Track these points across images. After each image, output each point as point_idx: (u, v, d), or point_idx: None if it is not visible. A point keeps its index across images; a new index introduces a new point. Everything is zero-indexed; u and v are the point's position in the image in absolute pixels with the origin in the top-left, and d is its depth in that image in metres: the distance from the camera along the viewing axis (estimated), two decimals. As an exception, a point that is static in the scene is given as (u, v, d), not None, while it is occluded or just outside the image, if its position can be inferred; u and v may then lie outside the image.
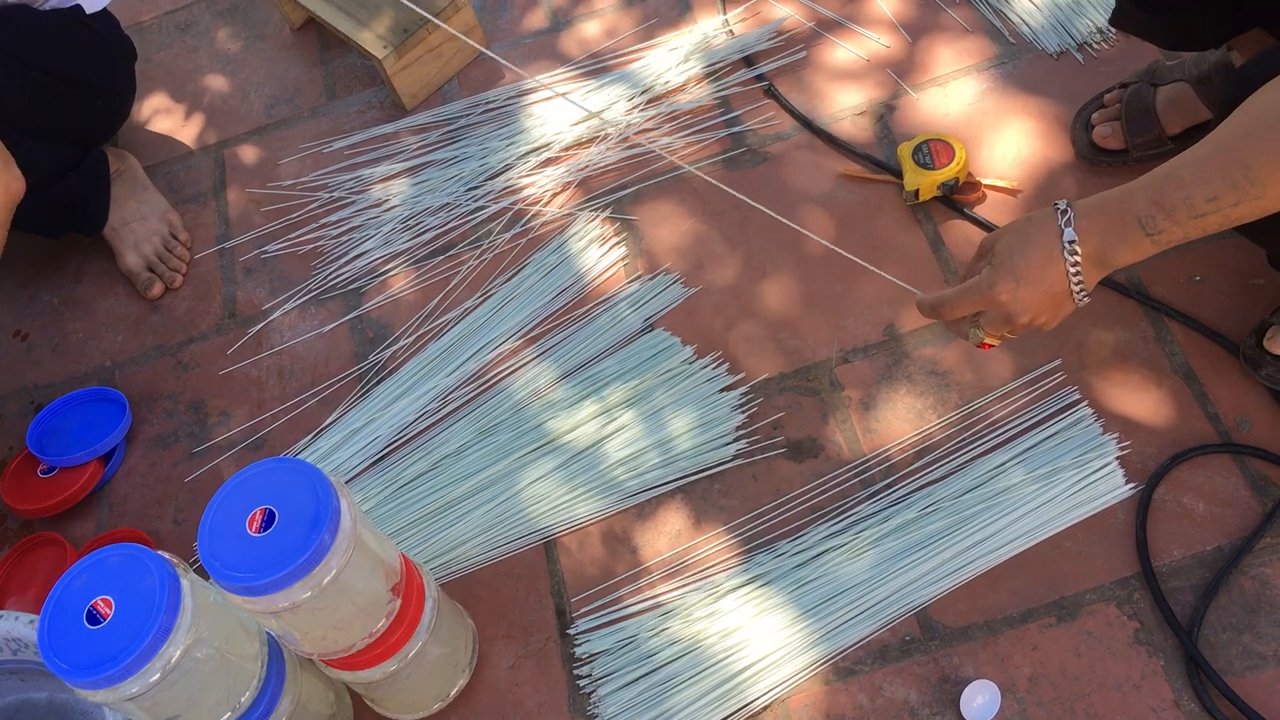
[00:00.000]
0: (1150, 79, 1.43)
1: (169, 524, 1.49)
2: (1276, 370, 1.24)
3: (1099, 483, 1.24)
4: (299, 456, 1.48)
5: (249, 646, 1.09)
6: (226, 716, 1.07)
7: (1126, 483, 1.24)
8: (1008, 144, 1.53)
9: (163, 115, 1.95)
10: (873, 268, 1.18)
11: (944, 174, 1.46)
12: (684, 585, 1.29)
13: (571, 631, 1.29)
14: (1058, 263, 0.95)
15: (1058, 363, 1.34)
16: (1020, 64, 1.60)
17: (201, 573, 1.06)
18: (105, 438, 1.54)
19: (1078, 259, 0.94)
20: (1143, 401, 1.29)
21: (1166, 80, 1.41)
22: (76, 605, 0.97)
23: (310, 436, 1.50)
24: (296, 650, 1.09)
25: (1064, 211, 0.94)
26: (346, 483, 1.45)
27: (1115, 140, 1.44)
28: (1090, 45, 1.59)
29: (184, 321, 1.68)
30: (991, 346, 1.05)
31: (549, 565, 1.35)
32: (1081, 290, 0.96)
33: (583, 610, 1.30)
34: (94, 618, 0.96)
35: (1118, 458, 1.26)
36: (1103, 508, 1.24)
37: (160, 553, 1.01)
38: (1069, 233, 0.94)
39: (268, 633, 1.13)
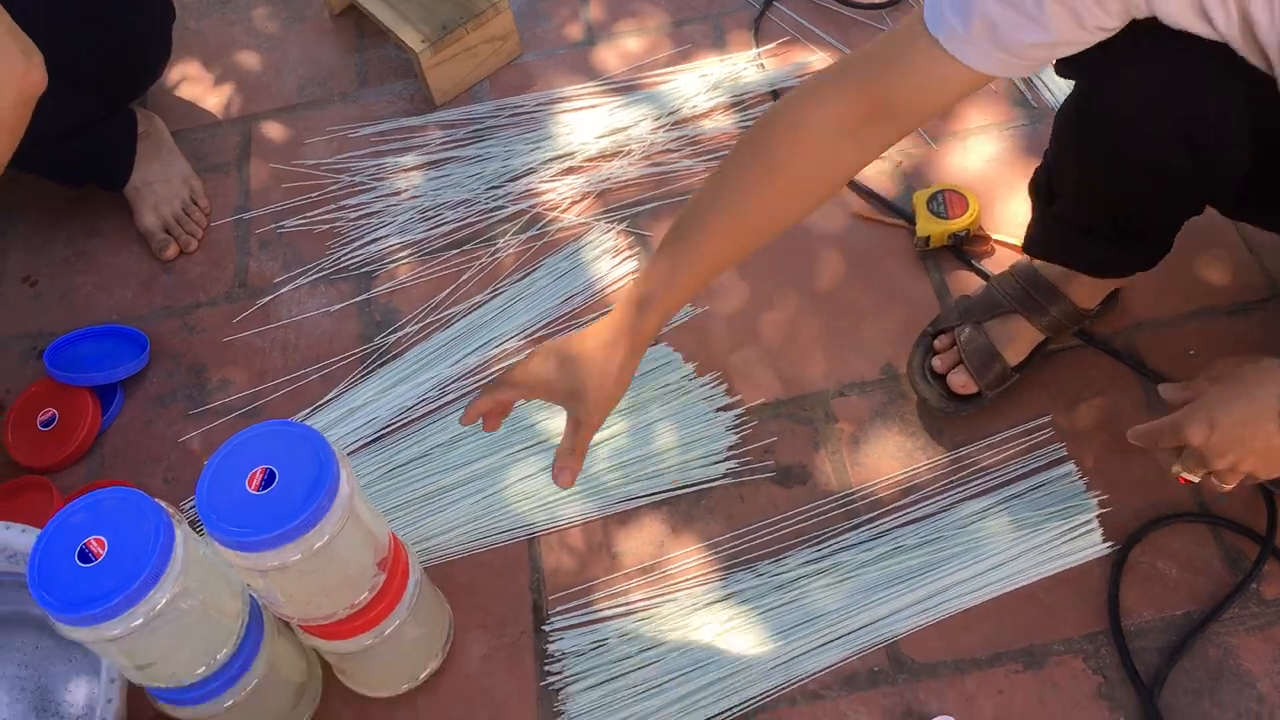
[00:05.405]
0: (972, 319, 1.36)
1: (159, 481, 1.50)
2: None
3: (1078, 538, 1.27)
4: (295, 429, 1.50)
5: (232, 604, 1.10)
6: (201, 670, 1.08)
7: (1104, 541, 1.27)
8: (1020, 202, 1.56)
9: (193, 83, 1.97)
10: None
11: (956, 224, 1.49)
12: (661, 595, 1.31)
13: (546, 628, 1.30)
14: (1268, 424, 0.89)
15: (1048, 419, 1.37)
16: (1041, 127, 1.64)
17: (193, 527, 1.08)
18: (124, 365, 1.56)
19: None
20: (1127, 464, 1.32)
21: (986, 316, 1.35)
22: (70, 542, 0.98)
23: (308, 410, 1.52)
24: (278, 612, 1.10)
25: None
26: (339, 459, 1.46)
27: (970, 386, 1.35)
28: (1110, 117, 1.63)
29: (194, 285, 1.70)
30: (1189, 482, 1.03)
31: (530, 561, 1.36)
32: None
33: (559, 608, 1.32)
34: (86, 556, 0.97)
35: (1098, 515, 1.28)
36: (1079, 563, 1.26)
37: (157, 500, 1.02)
38: None
39: (251, 594, 1.14)
